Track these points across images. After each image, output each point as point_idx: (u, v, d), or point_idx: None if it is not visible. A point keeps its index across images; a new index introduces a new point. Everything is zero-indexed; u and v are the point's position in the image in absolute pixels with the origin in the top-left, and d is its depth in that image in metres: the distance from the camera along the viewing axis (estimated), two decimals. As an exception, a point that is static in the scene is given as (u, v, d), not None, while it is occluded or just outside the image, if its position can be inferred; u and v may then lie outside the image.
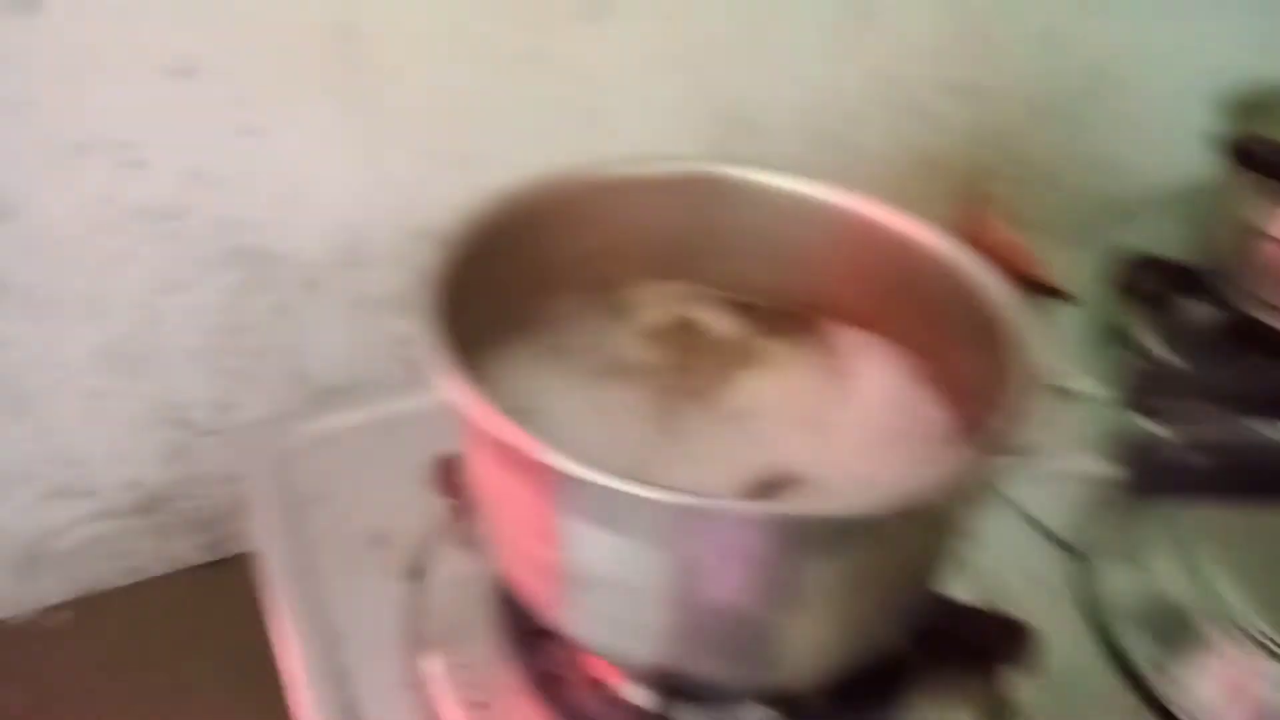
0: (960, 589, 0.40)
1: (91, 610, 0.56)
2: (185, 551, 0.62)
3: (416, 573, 0.44)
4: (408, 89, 0.53)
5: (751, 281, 0.43)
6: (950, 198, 0.71)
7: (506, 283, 0.39)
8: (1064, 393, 0.36)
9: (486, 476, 0.34)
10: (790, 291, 0.43)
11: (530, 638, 0.40)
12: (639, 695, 0.38)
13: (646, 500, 0.27)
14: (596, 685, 0.39)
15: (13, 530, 0.56)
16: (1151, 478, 0.41)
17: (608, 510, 0.29)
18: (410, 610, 0.42)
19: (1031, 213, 0.69)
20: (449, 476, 0.46)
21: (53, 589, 0.59)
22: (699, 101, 0.60)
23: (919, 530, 0.32)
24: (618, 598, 0.32)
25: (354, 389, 0.61)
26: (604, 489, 0.28)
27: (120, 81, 0.47)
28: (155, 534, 0.61)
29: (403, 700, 0.39)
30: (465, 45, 0.53)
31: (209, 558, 0.63)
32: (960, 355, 0.36)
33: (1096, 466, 0.31)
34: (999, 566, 0.42)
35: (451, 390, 0.30)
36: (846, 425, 0.38)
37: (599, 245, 0.41)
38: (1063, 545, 0.46)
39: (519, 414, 0.29)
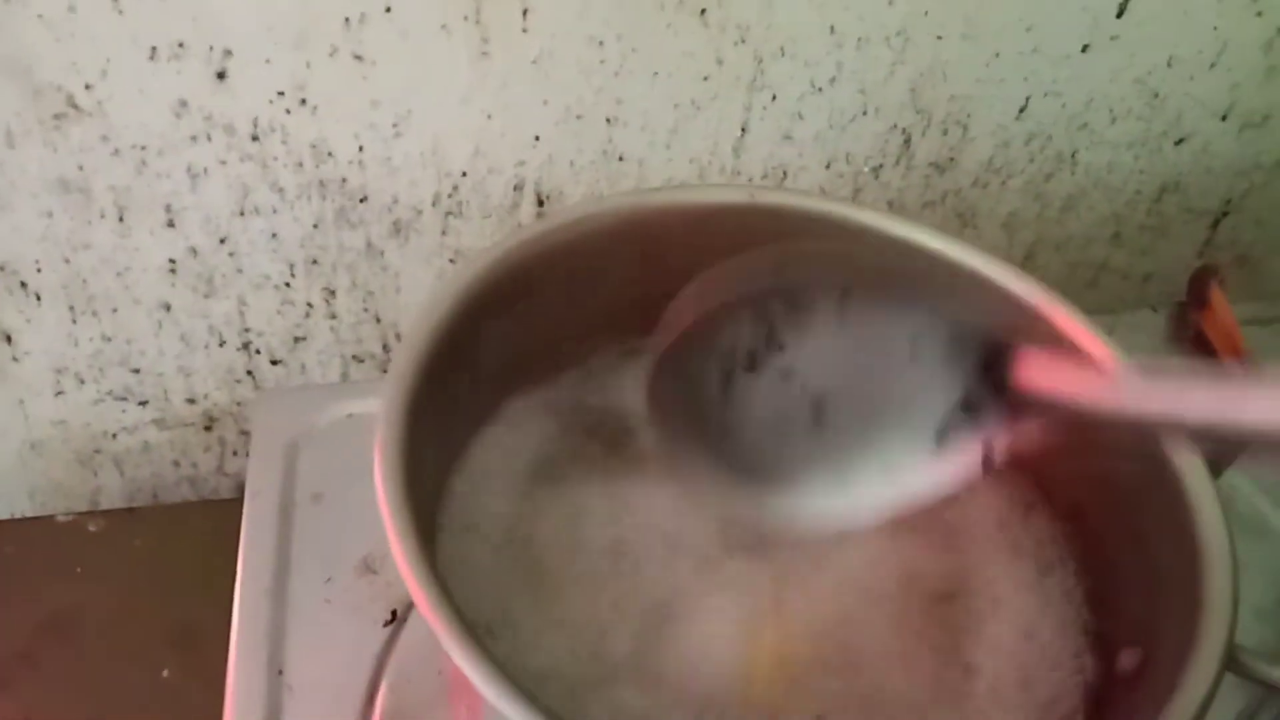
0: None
1: (131, 523, 0.54)
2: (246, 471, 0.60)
3: (399, 617, 0.38)
4: (548, 34, 0.46)
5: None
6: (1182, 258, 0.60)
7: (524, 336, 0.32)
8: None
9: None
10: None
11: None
12: None
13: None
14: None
15: (74, 425, 0.55)
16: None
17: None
18: (375, 665, 0.37)
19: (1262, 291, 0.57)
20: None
21: (113, 485, 0.59)
22: (892, 84, 0.51)
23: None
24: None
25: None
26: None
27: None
28: (215, 449, 0.59)
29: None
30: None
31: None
32: (1120, 543, 0.27)
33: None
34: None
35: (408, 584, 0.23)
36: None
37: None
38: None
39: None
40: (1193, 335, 0.53)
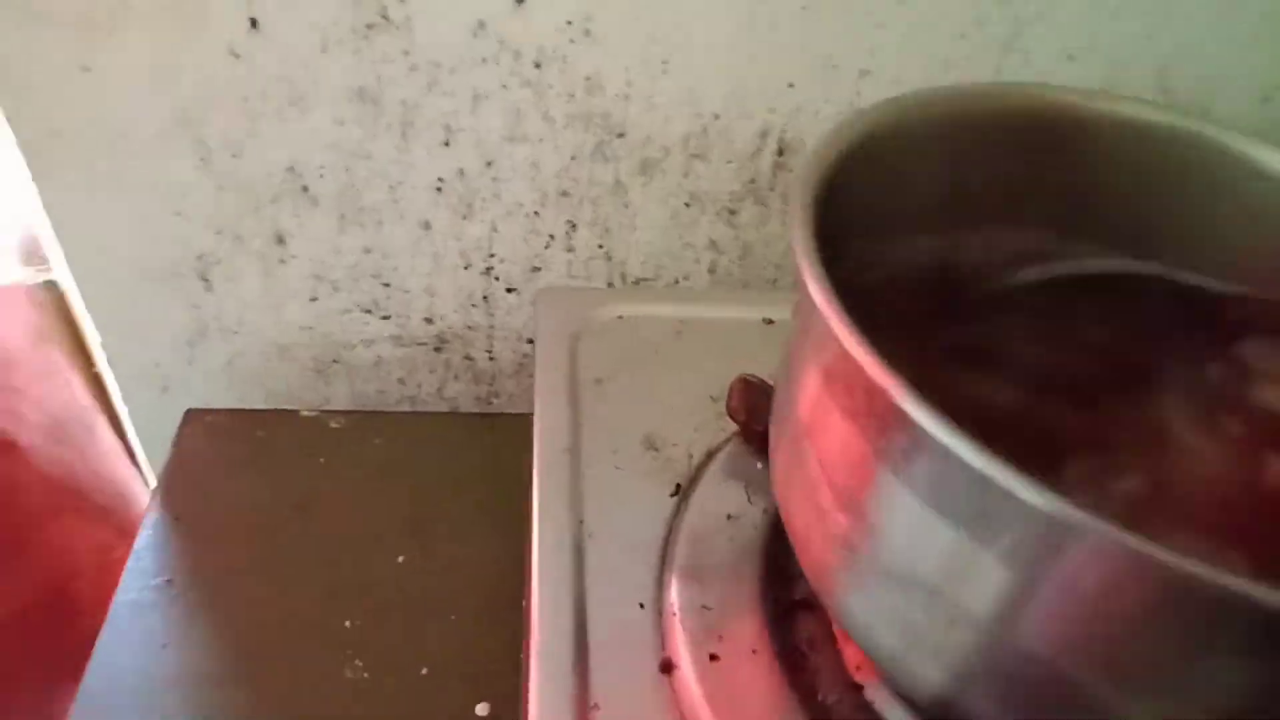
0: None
1: (369, 424, 0.58)
2: (462, 397, 0.64)
3: (683, 490, 0.40)
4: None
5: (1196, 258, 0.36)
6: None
7: (879, 202, 0.34)
8: None
9: (812, 408, 0.29)
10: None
11: (791, 604, 0.36)
12: (897, 714, 0.33)
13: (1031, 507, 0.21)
14: (850, 685, 0.34)
15: (322, 331, 0.59)
16: None
17: (963, 495, 0.24)
18: (666, 528, 0.39)
19: None
20: (746, 400, 0.42)
21: (341, 395, 0.62)
22: (1143, 50, 0.52)
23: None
24: (924, 604, 0.26)
25: (658, 282, 0.59)
26: (969, 466, 0.22)
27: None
28: (440, 372, 0.62)
29: (635, 617, 0.36)
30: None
31: (482, 409, 0.64)
32: None
33: None
34: None
35: (813, 294, 0.25)
36: None
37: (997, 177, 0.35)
38: None
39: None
40: None
